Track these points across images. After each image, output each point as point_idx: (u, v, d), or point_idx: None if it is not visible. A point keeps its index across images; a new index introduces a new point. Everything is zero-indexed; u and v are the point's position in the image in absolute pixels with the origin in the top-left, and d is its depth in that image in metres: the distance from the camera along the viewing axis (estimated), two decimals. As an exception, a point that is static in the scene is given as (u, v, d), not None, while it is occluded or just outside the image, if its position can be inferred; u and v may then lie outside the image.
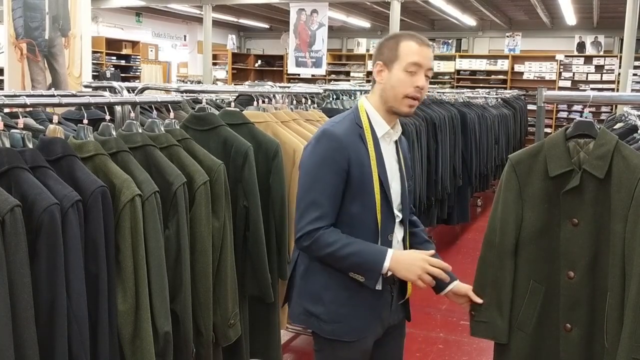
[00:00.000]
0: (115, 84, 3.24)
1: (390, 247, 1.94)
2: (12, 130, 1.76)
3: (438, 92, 6.28)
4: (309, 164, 1.90)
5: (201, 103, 2.58)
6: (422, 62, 1.90)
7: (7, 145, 1.69)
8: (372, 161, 1.91)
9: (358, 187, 1.89)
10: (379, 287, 1.91)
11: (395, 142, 2.05)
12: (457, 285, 2.01)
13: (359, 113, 1.97)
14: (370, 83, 2.06)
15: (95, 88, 3.52)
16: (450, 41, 15.10)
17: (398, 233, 2.01)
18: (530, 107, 11.05)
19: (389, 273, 1.87)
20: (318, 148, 1.90)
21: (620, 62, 10.12)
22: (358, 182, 1.89)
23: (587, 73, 13.37)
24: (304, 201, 1.88)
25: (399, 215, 2.00)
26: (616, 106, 7.37)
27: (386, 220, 1.94)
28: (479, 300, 1.93)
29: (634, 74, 8.84)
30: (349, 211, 1.89)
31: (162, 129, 2.21)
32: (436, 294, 2.04)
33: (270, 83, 5.28)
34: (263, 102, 3.10)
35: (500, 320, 1.90)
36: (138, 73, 13.15)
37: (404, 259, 1.87)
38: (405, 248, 2.05)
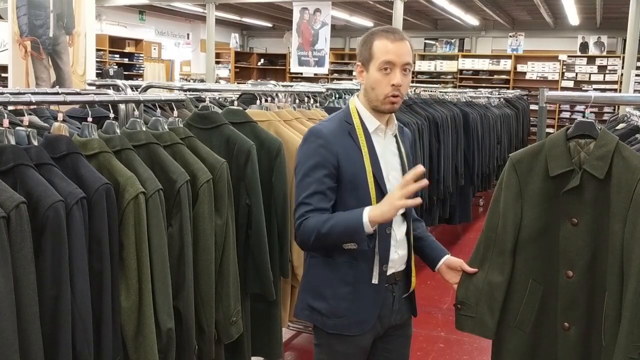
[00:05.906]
0: (119, 82, 3.25)
1: (389, 240, 1.95)
2: (17, 128, 1.78)
3: (440, 92, 6.27)
4: (299, 164, 1.94)
5: (205, 102, 2.59)
6: (395, 60, 1.88)
7: (13, 142, 1.71)
8: (365, 156, 1.93)
9: (350, 182, 1.91)
10: (375, 280, 1.93)
11: (396, 136, 2.06)
12: (449, 259, 2.04)
13: (349, 111, 2.00)
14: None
15: (99, 86, 3.53)
16: (453, 41, 15.09)
17: (398, 227, 1.99)
18: (532, 107, 11.01)
19: (373, 228, 1.82)
20: (305, 147, 1.94)
21: (623, 63, 10.11)
22: (350, 176, 1.91)
23: (590, 73, 13.35)
24: (296, 202, 1.91)
25: None
26: (619, 107, 7.36)
27: None
28: (473, 270, 1.94)
29: (637, 75, 8.83)
30: (346, 205, 1.90)
31: (166, 127, 2.22)
32: (432, 271, 2.07)
33: (273, 82, 5.29)
34: (266, 100, 3.11)
35: (490, 319, 1.90)
36: (141, 71, 13.16)
37: (378, 205, 1.83)
38: (409, 244, 2.04)
